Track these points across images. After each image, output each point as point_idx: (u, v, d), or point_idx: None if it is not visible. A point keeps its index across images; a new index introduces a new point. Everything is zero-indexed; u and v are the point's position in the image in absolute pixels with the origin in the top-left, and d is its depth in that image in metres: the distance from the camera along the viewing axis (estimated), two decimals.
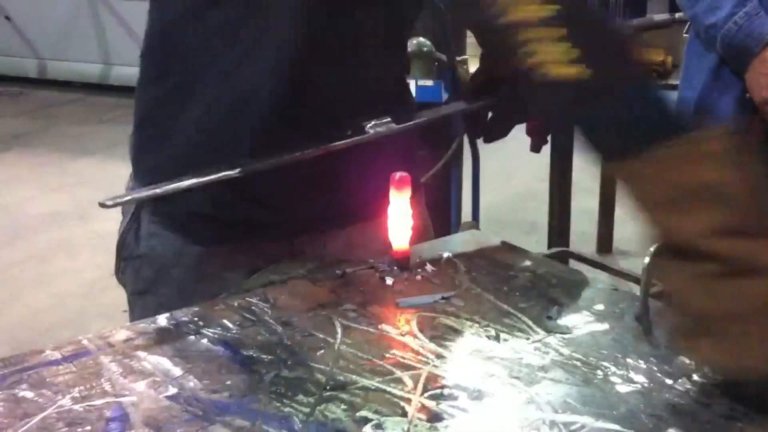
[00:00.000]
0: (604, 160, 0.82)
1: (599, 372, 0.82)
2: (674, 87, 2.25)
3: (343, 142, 1.01)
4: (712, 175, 0.76)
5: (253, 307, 0.93)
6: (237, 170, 0.96)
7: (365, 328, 0.90)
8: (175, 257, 1.09)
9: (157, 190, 0.95)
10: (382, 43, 1.09)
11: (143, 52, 1.11)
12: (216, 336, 0.87)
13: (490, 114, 1.12)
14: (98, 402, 0.75)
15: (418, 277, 1.01)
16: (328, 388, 0.78)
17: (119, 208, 1.13)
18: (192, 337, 0.87)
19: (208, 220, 1.08)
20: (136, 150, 1.14)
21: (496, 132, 1.13)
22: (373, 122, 1.03)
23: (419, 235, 1.07)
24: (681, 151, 0.77)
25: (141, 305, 1.13)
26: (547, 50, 0.77)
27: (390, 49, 1.12)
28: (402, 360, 0.83)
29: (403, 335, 0.88)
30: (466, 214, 3.13)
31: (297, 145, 1.00)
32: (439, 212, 2.96)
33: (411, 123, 1.07)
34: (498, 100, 1.09)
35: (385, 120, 1.04)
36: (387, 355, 0.84)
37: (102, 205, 0.93)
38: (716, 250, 0.75)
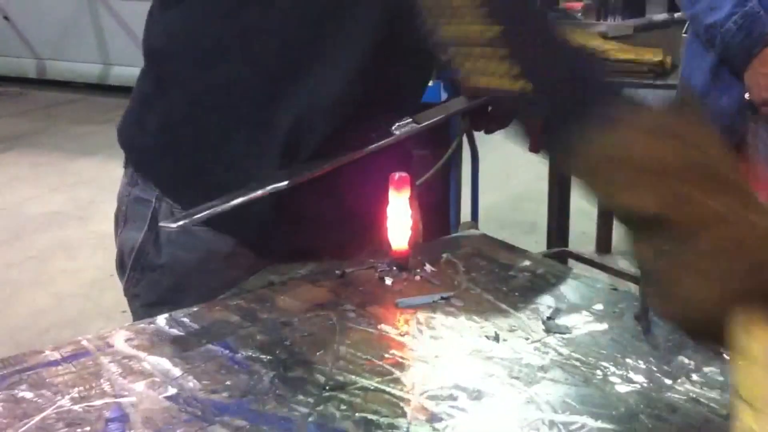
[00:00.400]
0: (552, 159, 0.83)
1: (598, 372, 0.82)
2: (673, 87, 2.25)
3: (375, 145, 1.01)
4: (654, 150, 0.77)
5: (252, 307, 0.93)
6: (285, 182, 0.95)
7: (365, 328, 0.90)
8: (198, 263, 1.06)
9: (213, 209, 0.92)
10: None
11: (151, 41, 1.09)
12: (215, 336, 0.87)
13: (490, 108, 1.13)
14: (98, 402, 0.75)
15: (418, 278, 1.01)
16: (327, 388, 0.78)
17: (112, 211, 1.12)
18: (191, 338, 0.87)
19: (214, 224, 1.05)
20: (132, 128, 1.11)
21: (496, 124, 1.14)
22: (397, 124, 1.03)
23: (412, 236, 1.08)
24: (625, 132, 0.77)
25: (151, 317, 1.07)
26: (489, 67, 0.78)
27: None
28: (401, 360, 0.83)
29: (402, 335, 0.88)
30: (466, 214, 3.13)
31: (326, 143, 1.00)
32: (439, 212, 2.97)
33: (431, 121, 1.07)
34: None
35: (407, 120, 1.04)
36: (386, 356, 0.84)
37: (165, 227, 0.92)
38: (665, 218, 0.76)
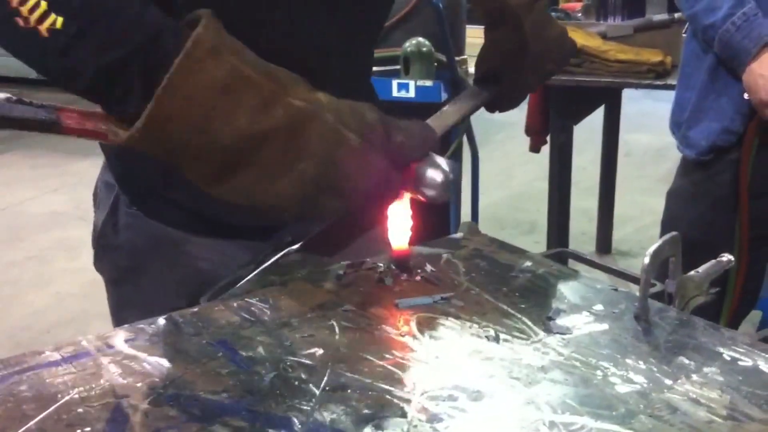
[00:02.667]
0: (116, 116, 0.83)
1: (598, 372, 0.82)
2: (673, 87, 2.25)
3: None
4: (219, 74, 0.79)
5: (252, 308, 0.93)
6: (297, 245, 1.01)
7: (365, 328, 0.90)
8: (151, 248, 1.13)
9: (243, 280, 0.98)
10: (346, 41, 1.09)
11: None
12: (215, 337, 0.87)
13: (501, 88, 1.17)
14: (98, 403, 0.75)
15: (418, 278, 1.01)
16: (327, 388, 0.78)
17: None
18: (191, 338, 0.87)
19: (186, 213, 1.10)
20: None
21: (506, 105, 1.19)
22: None
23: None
24: (186, 65, 0.78)
25: (119, 293, 1.19)
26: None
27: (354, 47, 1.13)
28: (401, 361, 0.83)
29: (402, 336, 0.88)
30: (466, 214, 3.13)
31: None
32: (439, 212, 2.97)
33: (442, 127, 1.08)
34: (507, 81, 1.15)
35: None
36: (386, 356, 0.84)
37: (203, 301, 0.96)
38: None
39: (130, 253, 1.15)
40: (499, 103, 1.19)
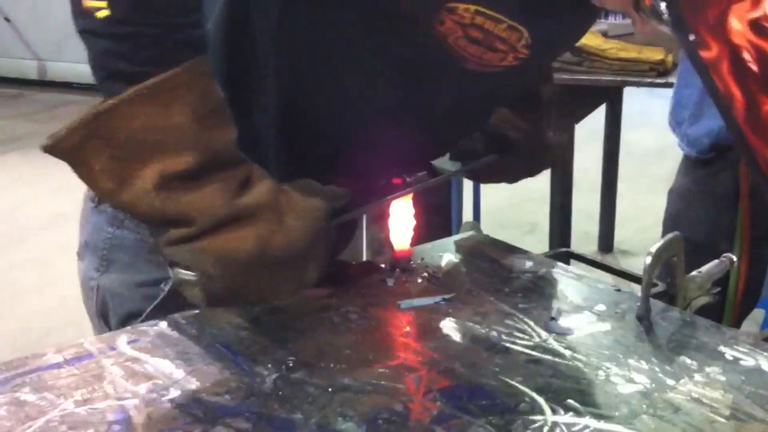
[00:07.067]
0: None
1: (601, 372, 0.82)
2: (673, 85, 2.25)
3: (392, 196, 1.00)
4: (149, 121, 0.76)
5: (254, 309, 0.93)
6: None
7: (367, 330, 0.90)
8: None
9: None
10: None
11: None
12: (217, 338, 0.87)
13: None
14: (100, 405, 0.75)
15: (419, 279, 1.01)
16: (329, 390, 0.78)
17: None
18: (193, 340, 0.87)
19: None
20: None
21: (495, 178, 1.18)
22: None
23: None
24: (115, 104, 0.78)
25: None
26: None
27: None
28: (403, 362, 0.83)
29: (404, 337, 0.88)
30: (467, 214, 3.13)
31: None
32: (440, 213, 2.96)
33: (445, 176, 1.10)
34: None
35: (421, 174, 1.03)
36: (388, 357, 0.84)
37: None
38: (160, 207, 0.75)
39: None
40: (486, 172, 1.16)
